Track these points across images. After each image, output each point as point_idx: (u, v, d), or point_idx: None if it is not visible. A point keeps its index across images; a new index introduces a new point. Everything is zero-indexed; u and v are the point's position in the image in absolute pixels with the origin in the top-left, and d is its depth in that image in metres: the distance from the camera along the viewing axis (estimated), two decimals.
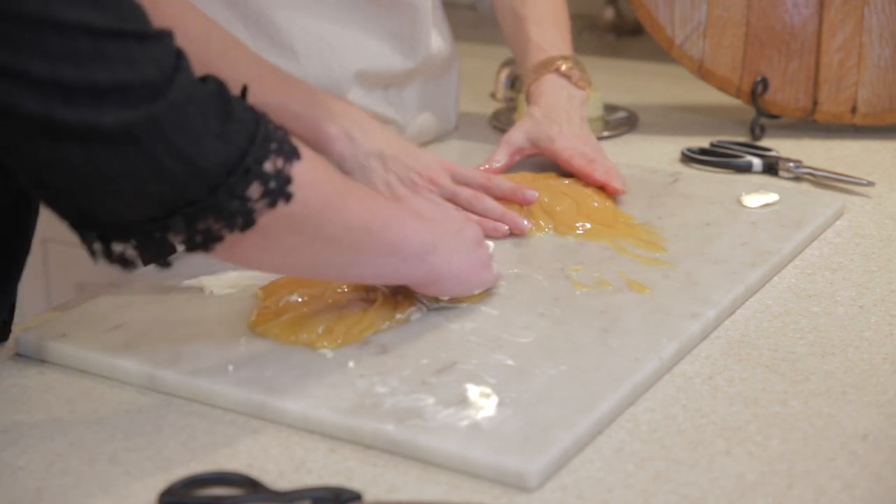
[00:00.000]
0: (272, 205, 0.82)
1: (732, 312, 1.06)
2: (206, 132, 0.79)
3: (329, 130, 1.17)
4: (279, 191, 0.82)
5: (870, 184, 1.37)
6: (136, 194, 0.78)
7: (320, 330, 0.97)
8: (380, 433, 0.85)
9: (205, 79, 0.81)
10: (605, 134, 1.60)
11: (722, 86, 1.60)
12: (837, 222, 1.28)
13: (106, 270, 0.98)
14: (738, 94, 1.59)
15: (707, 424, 0.89)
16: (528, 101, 1.36)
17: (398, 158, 1.18)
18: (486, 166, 1.30)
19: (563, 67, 1.34)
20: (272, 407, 0.89)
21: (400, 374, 0.92)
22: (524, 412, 0.87)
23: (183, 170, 0.78)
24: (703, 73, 1.59)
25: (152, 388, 0.94)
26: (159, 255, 0.82)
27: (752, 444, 0.86)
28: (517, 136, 1.32)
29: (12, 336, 1.01)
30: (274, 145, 0.83)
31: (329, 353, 0.96)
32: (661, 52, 1.62)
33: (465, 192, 1.18)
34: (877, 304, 1.08)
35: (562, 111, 1.32)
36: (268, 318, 1.00)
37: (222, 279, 1.07)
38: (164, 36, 0.79)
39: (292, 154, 0.84)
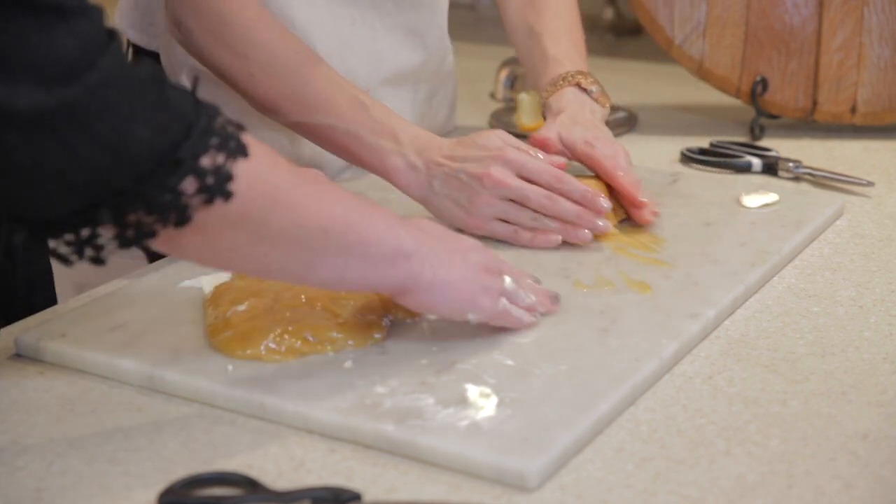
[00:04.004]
0: (209, 202, 0.78)
1: (732, 312, 1.06)
2: (133, 119, 0.74)
3: (393, 162, 1.15)
4: (217, 188, 0.78)
5: (869, 184, 1.37)
6: (55, 183, 0.73)
7: (266, 343, 0.95)
8: (380, 433, 0.85)
9: (138, 62, 0.77)
10: None
11: (721, 86, 1.60)
12: (837, 222, 1.28)
13: (106, 271, 0.98)
14: (737, 94, 1.59)
15: (707, 424, 0.89)
16: (547, 113, 1.33)
17: (458, 174, 1.14)
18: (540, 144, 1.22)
19: (583, 82, 1.30)
20: (272, 407, 0.89)
21: (400, 374, 0.92)
22: (524, 412, 0.87)
23: (105, 158, 0.73)
24: (702, 72, 1.59)
25: (152, 388, 0.94)
26: (94, 252, 0.77)
27: (752, 444, 0.86)
28: (549, 134, 1.25)
29: (12, 336, 1.00)
30: (215, 140, 0.78)
31: (330, 353, 0.96)
32: (660, 52, 1.62)
33: (537, 194, 1.14)
34: (877, 304, 1.08)
35: (589, 124, 1.27)
36: (218, 329, 0.98)
37: (221, 279, 1.07)
38: (91, 12, 0.73)
39: (238, 151, 0.79)
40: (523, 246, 1.15)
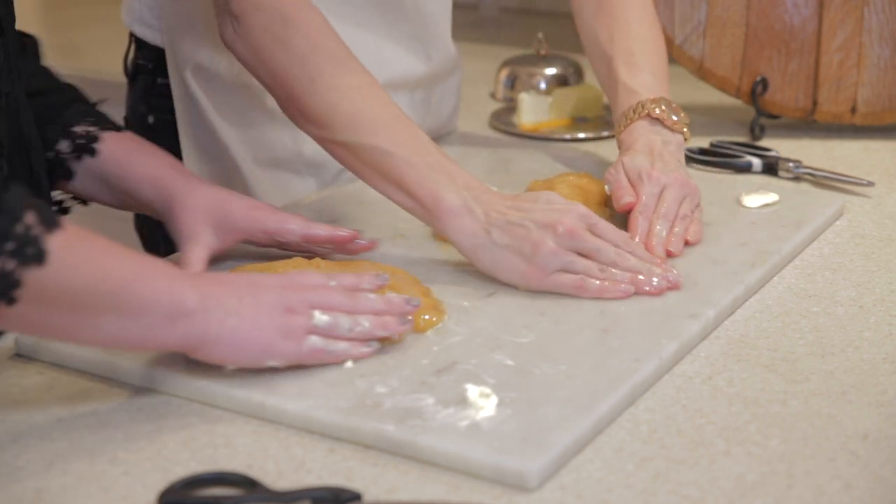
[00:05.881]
0: None
1: (732, 312, 1.06)
2: None
3: (450, 202, 1.07)
4: (1, 294, 0.77)
5: (869, 184, 1.37)
6: None
7: None
8: (380, 433, 0.85)
9: None
10: (605, 134, 1.60)
11: (722, 86, 1.60)
12: (837, 222, 1.28)
13: None
14: (737, 94, 1.59)
15: (707, 424, 0.89)
16: (620, 149, 1.28)
17: (524, 222, 1.06)
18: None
19: (656, 112, 1.25)
20: (272, 407, 0.89)
21: (400, 374, 0.92)
22: (524, 412, 0.87)
23: None
24: (702, 73, 1.59)
25: (152, 388, 0.94)
26: None
27: (752, 444, 0.86)
28: (617, 174, 1.22)
29: (12, 336, 1.00)
30: (10, 245, 0.76)
31: None
32: None
33: (608, 248, 1.07)
34: (877, 304, 1.08)
35: (656, 154, 1.22)
36: None
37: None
38: None
39: (32, 258, 0.77)
40: (591, 297, 1.05)
